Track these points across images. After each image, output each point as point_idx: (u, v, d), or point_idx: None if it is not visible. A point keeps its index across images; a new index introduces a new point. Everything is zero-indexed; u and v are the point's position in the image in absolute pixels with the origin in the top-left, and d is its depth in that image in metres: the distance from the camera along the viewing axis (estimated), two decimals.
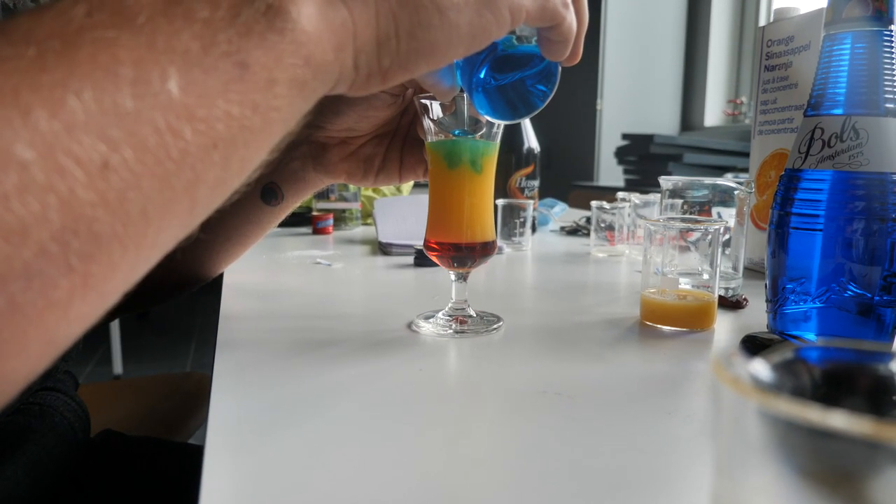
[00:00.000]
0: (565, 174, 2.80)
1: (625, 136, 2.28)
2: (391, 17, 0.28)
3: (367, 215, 1.20)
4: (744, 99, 2.56)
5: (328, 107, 0.50)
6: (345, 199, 1.12)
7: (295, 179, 0.53)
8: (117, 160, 0.19)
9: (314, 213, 1.07)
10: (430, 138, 0.49)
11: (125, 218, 0.20)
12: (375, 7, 0.27)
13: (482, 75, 0.41)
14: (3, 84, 0.18)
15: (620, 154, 2.31)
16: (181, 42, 0.21)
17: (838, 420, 0.12)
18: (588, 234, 1.04)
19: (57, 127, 0.18)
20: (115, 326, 2.35)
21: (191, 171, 0.21)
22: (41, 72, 0.19)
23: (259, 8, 0.23)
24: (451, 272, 0.50)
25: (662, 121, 2.78)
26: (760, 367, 0.18)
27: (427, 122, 0.48)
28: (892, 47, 0.41)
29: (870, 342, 0.19)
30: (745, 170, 2.02)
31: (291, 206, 0.55)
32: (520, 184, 1.03)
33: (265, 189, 0.53)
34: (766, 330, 0.46)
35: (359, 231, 1.13)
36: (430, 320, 0.50)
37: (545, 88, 0.42)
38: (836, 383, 0.18)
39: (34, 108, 0.18)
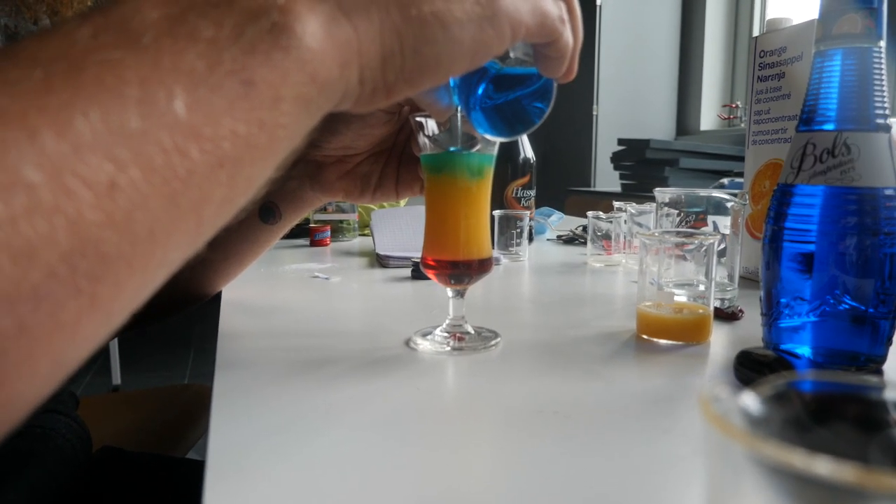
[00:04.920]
0: (562, 180, 2.81)
1: (621, 142, 2.29)
2: (395, 33, 0.28)
3: (364, 226, 1.21)
4: (739, 103, 2.57)
5: (325, 125, 0.50)
6: (342, 211, 1.12)
7: (293, 198, 0.54)
8: (124, 180, 0.19)
9: (312, 225, 1.08)
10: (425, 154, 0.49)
11: (132, 238, 0.20)
12: (380, 23, 0.28)
13: (479, 95, 0.41)
14: (10, 106, 0.18)
15: (616, 159, 2.31)
16: (186, 61, 0.21)
17: (822, 467, 0.12)
18: (585, 243, 1.04)
19: (64, 148, 0.18)
20: None
21: (197, 190, 0.21)
22: (48, 94, 0.19)
23: (264, 26, 0.23)
24: (449, 289, 0.50)
25: (658, 125, 2.79)
26: (750, 401, 0.18)
27: (422, 139, 0.48)
28: (881, 63, 0.41)
29: (859, 375, 0.19)
30: (742, 174, 2.03)
31: (289, 224, 0.56)
32: (516, 194, 1.03)
33: (263, 208, 0.54)
34: (761, 343, 0.47)
35: (356, 242, 1.13)
36: (428, 337, 0.50)
37: (542, 106, 0.42)
38: (827, 415, 0.19)
39: (42, 130, 0.18)
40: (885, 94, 0.41)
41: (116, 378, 2.37)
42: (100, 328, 0.20)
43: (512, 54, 0.39)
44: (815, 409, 0.19)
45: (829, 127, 0.42)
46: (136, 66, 0.20)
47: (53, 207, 0.18)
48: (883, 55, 0.41)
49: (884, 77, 0.41)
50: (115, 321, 0.21)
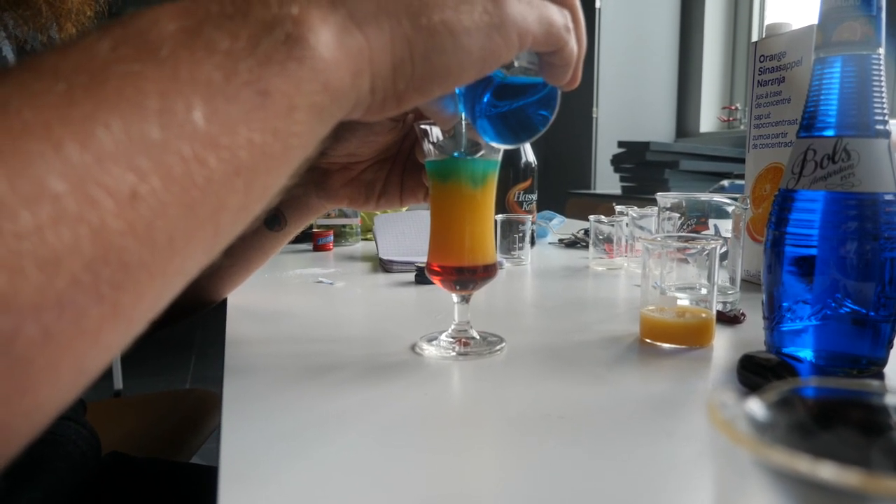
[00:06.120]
0: (562, 183, 2.81)
1: (621, 144, 2.30)
2: (406, 42, 0.29)
3: (366, 230, 1.21)
4: (738, 105, 2.58)
5: (330, 133, 0.51)
6: (345, 215, 1.13)
7: (298, 205, 0.54)
8: (145, 189, 0.20)
9: (315, 230, 1.08)
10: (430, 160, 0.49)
11: (153, 246, 0.20)
12: (391, 33, 0.28)
13: (485, 103, 0.42)
14: (34, 119, 0.19)
15: (617, 162, 2.32)
16: (204, 73, 0.22)
17: (827, 472, 0.13)
18: (587, 247, 1.05)
19: (87, 159, 0.19)
20: None
21: (215, 198, 0.22)
22: (70, 105, 0.19)
23: (278, 37, 0.24)
24: (454, 294, 0.51)
25: (658, 128, 2.80)
26: (755, 406, 0.18)
27: (427, 146, 0.49)
28: (880, 70, 0.42)
29: (862, 380, 0.19)
30: (742, 175, 2.04)
31: (294, 231, 0.56)
32: (518, 198, 1.04)
33: (268, 215, 0.54)
34: (763, 346, 0.47)
35: (359, 247, 1.14)
36: (433, 343, 0.50)
37: (546, 114, 0.43)
38: (831, 420, 0.19)
39: (65, 141, 0.18)
40: (884, 100, 0.42)
41: (118, 382, 2.37)
42: (121, 335, 0.21)
43: (516, 63, 0.40)
44: (819, 415, 0.19)
45: (830, 133, 0.42)
46: (155, 77, 0.21)
47: (78, 217, 0.18)
48: (882, 62, 0.42)
49: (883, 83, 0.42)
50: (136, 328, 0.22)
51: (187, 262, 0.22)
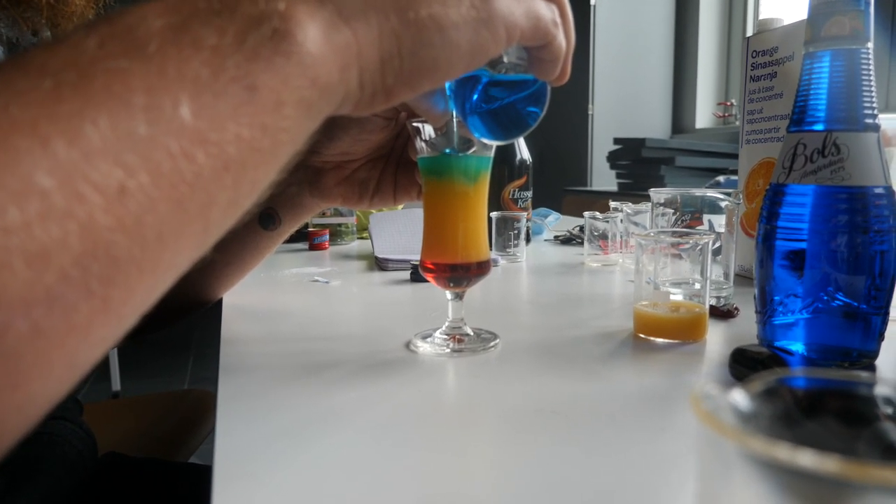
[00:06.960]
0: (558, 179, 2.81)
1: (617, 141, 2.30)
2: (394, 36, 0.29)
3: (362, 229, 1.21)
4: (733, 101, 2.58)
5: (323, 131, 0.51)
6: (340, 214, 1.13)
7: (292, 205, 0.54)
8: (133, 185, 0.20)
9: (310, 229, 1.08)
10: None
11: (142, 241, 0.20)
12: (378, 27, 0.28)
13: (475, 100, 0.42)
14: (22, 116, 0.19)
15: (613, 158, 2.32)
16: (191, 69, 0.22)
17: (805, 460, 0.13)
18: (582, 243, 1.05)
19: (75, 155, 0.19)
20: None
21: (204, 193, 0.22)
22: (58, 102, 0.19)
23: (265, 33, 0.24)
24: (448, 292, 0.51)
25: (654, 124, 2.80)
26: (740, 397, 0.19)
27: (420, 144, 0.49)
28: (869, 64, 0.42)
29: (848, 371, 0.20)
30: (737, 171, 2.04)
31: (288, 231, 0.57)
32: (513, 195, 1.04)
33: (263, 214, 0.54)
34: (756, 340, 0.48)
35: (355, 245, 1.14)
36: (428, 340, 0.50)
37: (536, 110, 0.43)
38: (816, 410, 0.19)
39: (53, 138, 0.19)
40: (873, 94, 0.42)
41: (116, 384, 2.36)
42: (112, 330, 0.21)
43: (506, 59, 0.40)
44: (803, 405, 0.20)
45: (819, 127, 0.42)
46: (143, 74, 0.21)
47: (66, 212, 0.18)
48: (871, 56, 0.42)
49: (872, 78, 0.42)
50: (126, 323, 0.22)
51: (177, 258, 0.22)
